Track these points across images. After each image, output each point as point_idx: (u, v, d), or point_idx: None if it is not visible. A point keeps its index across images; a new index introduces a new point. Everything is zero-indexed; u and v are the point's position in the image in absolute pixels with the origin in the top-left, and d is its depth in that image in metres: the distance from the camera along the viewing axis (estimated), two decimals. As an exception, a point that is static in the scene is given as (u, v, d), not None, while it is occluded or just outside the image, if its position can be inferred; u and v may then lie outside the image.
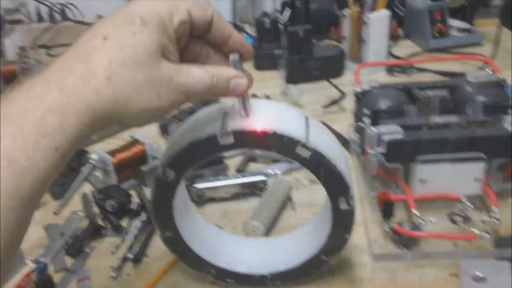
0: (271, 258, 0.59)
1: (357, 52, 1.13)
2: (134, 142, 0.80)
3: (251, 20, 1.43)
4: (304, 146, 0.47)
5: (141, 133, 0.82)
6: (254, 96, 1.01)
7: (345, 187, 0.50)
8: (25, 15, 1.50)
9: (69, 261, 0.65)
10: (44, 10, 1.54)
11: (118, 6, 0.40)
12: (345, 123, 0.87)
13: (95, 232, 0.69)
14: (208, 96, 0.42)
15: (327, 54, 1.13)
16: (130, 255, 0.64)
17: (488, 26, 1.24)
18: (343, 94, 1.00)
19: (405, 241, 0.61)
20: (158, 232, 0.56)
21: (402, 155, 0.64)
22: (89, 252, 0.66)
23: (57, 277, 0.62)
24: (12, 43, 1.32)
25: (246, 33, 1.36)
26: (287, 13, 1.20)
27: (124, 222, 0.71)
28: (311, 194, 0.75)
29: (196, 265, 0.58)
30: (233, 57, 0.43)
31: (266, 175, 0.76)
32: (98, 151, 0.79)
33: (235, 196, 0.74)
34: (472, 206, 0.63)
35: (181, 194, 0.56)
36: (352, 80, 0.93)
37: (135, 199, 0.74)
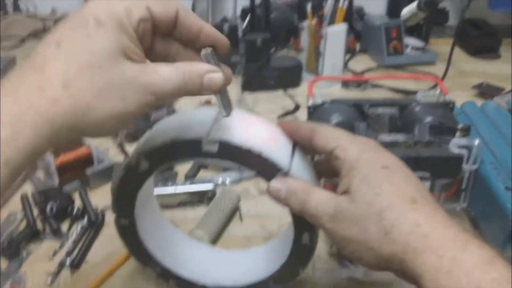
0: (218, 271, 0.58)
1: (314, 64, 1.14)
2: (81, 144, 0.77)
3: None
4: (285, 175, 0.46)
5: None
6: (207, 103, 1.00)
7: (313, 224, 0.47)
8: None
9: (4, 264, 0.62)
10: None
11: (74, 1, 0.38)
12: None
13: (33, 235, 0.66)
14: (181, 95, 0.39)
15: (284, 65, 1.13)
16: (68, 261, 0.62)
17: (442, 45, 1.27)
18: (297, 105, 1.01)
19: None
20: (113, 216, 0.52)
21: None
22: (25, 256, 0.63)
23: (-11, 281, 0.59)
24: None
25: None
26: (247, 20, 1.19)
27: (64, 226, 0.68)
28: (260, 205, 0.74)
29: (142, 259, 0.56)
30: (205, 51, 0.40)
31: (215, 183, 0.75)
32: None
33: (182, 204, 0.73)
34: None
35: (148, 186, 0.54)
36: (308, 91, 0.94)
37: (78, 202, 0.71)
